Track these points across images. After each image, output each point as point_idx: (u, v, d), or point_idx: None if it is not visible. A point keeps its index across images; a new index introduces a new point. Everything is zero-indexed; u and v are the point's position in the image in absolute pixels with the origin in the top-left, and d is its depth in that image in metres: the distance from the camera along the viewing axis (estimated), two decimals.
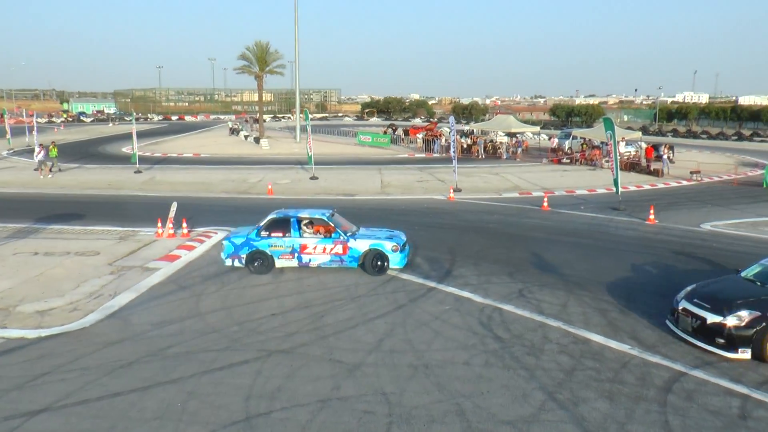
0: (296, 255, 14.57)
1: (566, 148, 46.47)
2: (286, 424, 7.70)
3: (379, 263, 14.51)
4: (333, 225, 14.76)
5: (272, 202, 26.17)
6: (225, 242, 14.73)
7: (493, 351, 10.16)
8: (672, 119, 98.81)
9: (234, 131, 67.70)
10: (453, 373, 9.30)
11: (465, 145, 50.49)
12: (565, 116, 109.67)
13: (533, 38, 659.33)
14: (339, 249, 14.57)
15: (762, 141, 70.21)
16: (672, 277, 14.24)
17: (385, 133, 61.39)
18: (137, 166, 35.34)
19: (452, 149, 30.81)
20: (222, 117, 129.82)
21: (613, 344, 10.43)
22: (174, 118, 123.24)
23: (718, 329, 9.88)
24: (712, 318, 10.04)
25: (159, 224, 18.06)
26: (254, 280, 13.99)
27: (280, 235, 14.59)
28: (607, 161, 40.80)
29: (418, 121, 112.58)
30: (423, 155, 49.61)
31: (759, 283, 10.87)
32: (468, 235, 19.39)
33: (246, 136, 60.16)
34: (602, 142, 41.78)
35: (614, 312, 12.05)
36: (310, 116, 36.04)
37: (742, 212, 22.91)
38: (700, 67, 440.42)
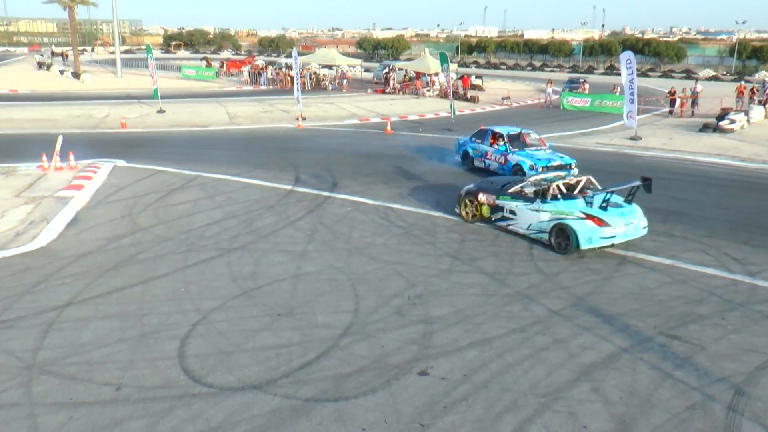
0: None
1: (389, 79, 50.12)
2: (277, 293, 10.08)
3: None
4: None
5: (132, 135, 26.69)
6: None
7: (399, 234, 13.16)
8: (472, 52, 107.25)
9: (43, 65, 62.47)
10: (379, 250, 12.16)
11: (290, 77, 52.26)
12: (372, 49, 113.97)
13: None
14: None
15: (551, 71, 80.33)
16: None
17: (208, 66, 60.80)
18: None
19: (296, 81, 32.92)
20: (12, 50, 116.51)
21: (485, 224, 13.93)
22: None
23: None
24: None
25: (44, 158, 18.41)
26: (171, 200, 15.55)
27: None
28: (428, 90, 45.34)
29: (226, 54, 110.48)
30: (251, 88, 50.64)
31: None
32: (334, 155, 22.01)
33: (62, 71, 56.22)
34: (423, 74, 46.03)
35: None
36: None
37: (549, 129, 27.94)
38: (489, 3, 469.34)
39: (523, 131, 18.96)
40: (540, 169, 16.64)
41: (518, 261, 11.67)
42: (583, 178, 12.81)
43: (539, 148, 18.57)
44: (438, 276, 10.89)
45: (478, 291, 10.25)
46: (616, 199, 12.17)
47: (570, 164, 17.47)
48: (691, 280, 10.73)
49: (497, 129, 19.19)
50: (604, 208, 11.62)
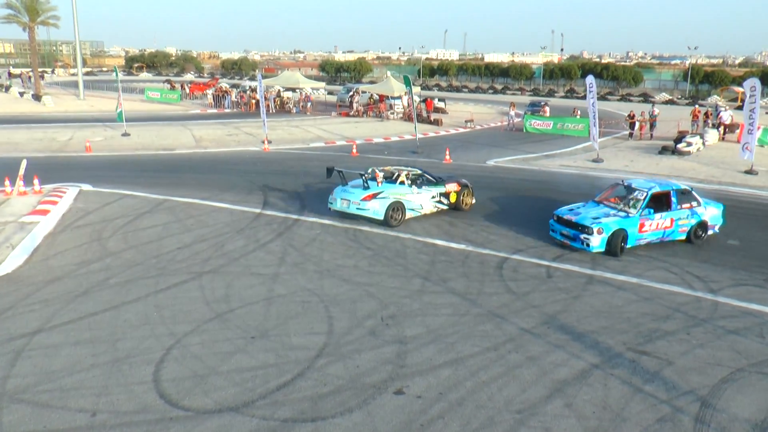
0: None
1: (353, 102, 50.55)
2: (251, 315, 10.07)
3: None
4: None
5: (97, 158, 26.30)
6: None
7: (370, 256, 13.28)
8: (434, 75, 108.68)
9: (1, 87, 61.22)
10: (350, 272, 12.25)
11: (255, 99, 52.29)
12: (335, 72, 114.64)
13: None
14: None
15: (513, 94, 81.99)
16: (478, 199, 18.55)
17: (172, 88, 60.46)
18: None
19: (262, 105, 33.05)
20: None
21: (453, 245, 14.15)
22: None
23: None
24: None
25: (7, 183, 18.07)
26: (140, 224, 15.40)
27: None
28: (392, 113, 45.81)
29: (189, 77, 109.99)
30: (215, 111, 50.44)
31: None
32: (302, 178, 22.09)
33: (22, 93, 55.22)
34: (387, 96, 46.51)
35: (445, 225, 15.85)
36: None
37: (514, 151, 28.64)
38: (449, 27, 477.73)
39: (624, 183, 15.41)
40: (555, 218, 14.35)
41: (488, 281, 11.88)
42: (412, 171, 16.75)
43: (616, 205, 14.48)
44: (410, 297, 11.01)
45: (450, 311, 10.40)
46: (391, 186, 15.82)
47: (586, 227, 13.54)
48: (657, 298, 11.07)
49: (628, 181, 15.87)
50: (345, 185, 16.12)
